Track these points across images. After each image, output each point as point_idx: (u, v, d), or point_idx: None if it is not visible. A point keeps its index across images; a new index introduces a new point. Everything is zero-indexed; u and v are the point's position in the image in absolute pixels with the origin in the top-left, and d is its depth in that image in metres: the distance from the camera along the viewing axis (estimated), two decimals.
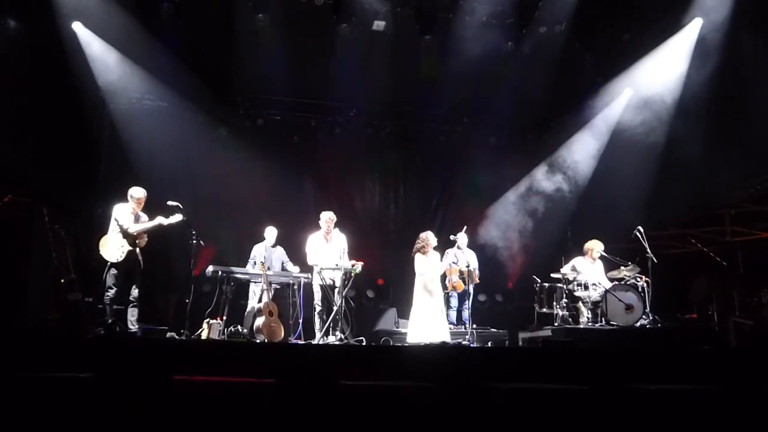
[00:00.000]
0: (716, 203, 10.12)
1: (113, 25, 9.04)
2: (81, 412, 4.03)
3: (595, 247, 8.84)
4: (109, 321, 6.88)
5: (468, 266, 8.57)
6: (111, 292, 7.14)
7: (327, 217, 8.20)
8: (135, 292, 7.31)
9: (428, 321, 7.71)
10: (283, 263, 8.53)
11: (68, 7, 8.78)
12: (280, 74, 10.18)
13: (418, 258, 8.00)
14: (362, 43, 9.76)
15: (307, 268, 8.21)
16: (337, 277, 7.76)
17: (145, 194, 7.47)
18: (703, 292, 9.94)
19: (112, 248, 7.15)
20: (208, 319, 7.60)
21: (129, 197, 7.41)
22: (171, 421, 4.03)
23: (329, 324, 7.66)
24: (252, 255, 8.54)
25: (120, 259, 7.15)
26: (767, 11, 8.08)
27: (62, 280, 7.09)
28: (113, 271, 7.18)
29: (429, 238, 8.04)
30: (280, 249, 8.63)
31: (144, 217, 7.52)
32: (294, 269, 8.35)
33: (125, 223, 7.22)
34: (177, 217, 7.40)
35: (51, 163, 8.57)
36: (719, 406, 4.48)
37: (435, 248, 8.16)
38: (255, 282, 8.24)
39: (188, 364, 4.59)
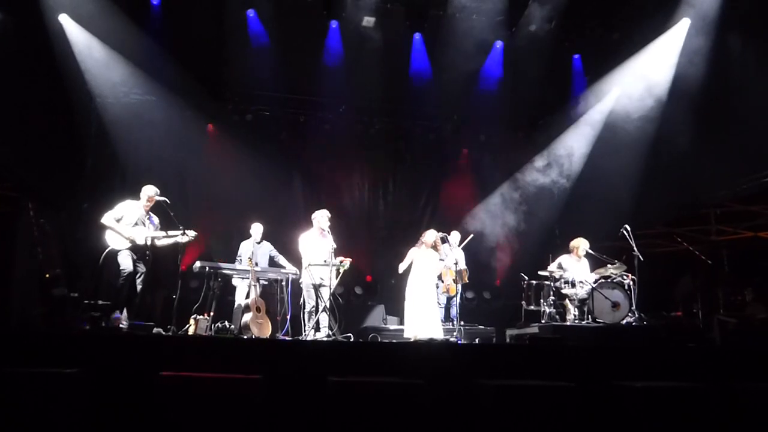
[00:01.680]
0: (703, 202, 10.21)
1: (101, 18, 8.96)
2: (67, 408, 3.99)
3: (581, 245, 8.89)
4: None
5: (456, 264, 8.59)
6: (125, 273, 6.85)
7: (327, 215, 8.02)
8: (138, 287, 7.07)
9: (422, 316, 7.76)
10: (273, 257, 8.49)
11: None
12: (270, 70, 10.14)
13: (413, 252, 8.04)
14: (352, 40, 9.74)
15: (297, 265, 8.12)
16: (327, 275, 7.72)
17: (157, 192, 7.27)
18: (688, 290, 10.02)
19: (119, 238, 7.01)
20: (195, 315, 7.56)
21: (141, 194, 7.24)
22: (158, 417, 4.01)
23: (317, 320, 7.63)
24: (239, 252, 8.51)
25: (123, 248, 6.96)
26: (755, 11, 8.15)
27: (48, 275, 7.02)
28: (125, 252, 6.92)
29: (426, 234, 8.17)
30: (266, 244, 8.59)
31: (154, 218, 7.37)
32: (287, 264, 8.28)
33: (107, 220, 6.96)
34: (190, 234, 7.27)
35: (37, 157, 8.49)
36: (704, 403, 4.52)
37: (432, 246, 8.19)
38: (242, 278, 8.20)
39: (175, 360, 4.56)
